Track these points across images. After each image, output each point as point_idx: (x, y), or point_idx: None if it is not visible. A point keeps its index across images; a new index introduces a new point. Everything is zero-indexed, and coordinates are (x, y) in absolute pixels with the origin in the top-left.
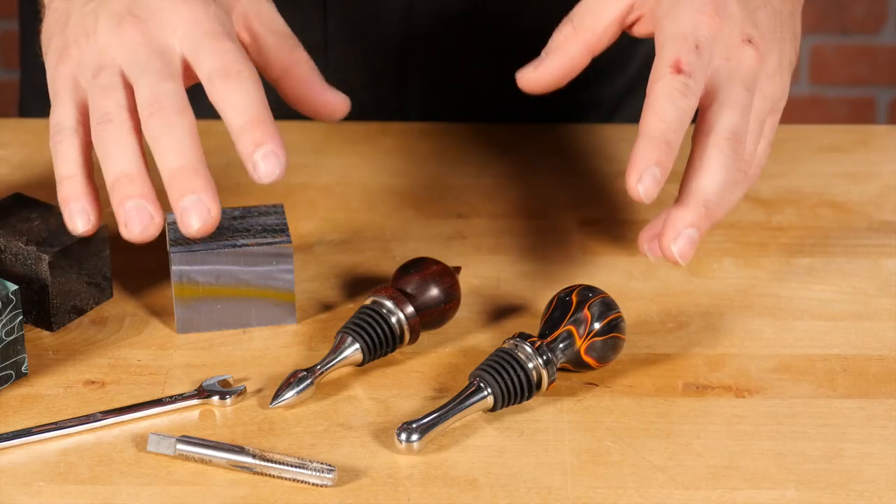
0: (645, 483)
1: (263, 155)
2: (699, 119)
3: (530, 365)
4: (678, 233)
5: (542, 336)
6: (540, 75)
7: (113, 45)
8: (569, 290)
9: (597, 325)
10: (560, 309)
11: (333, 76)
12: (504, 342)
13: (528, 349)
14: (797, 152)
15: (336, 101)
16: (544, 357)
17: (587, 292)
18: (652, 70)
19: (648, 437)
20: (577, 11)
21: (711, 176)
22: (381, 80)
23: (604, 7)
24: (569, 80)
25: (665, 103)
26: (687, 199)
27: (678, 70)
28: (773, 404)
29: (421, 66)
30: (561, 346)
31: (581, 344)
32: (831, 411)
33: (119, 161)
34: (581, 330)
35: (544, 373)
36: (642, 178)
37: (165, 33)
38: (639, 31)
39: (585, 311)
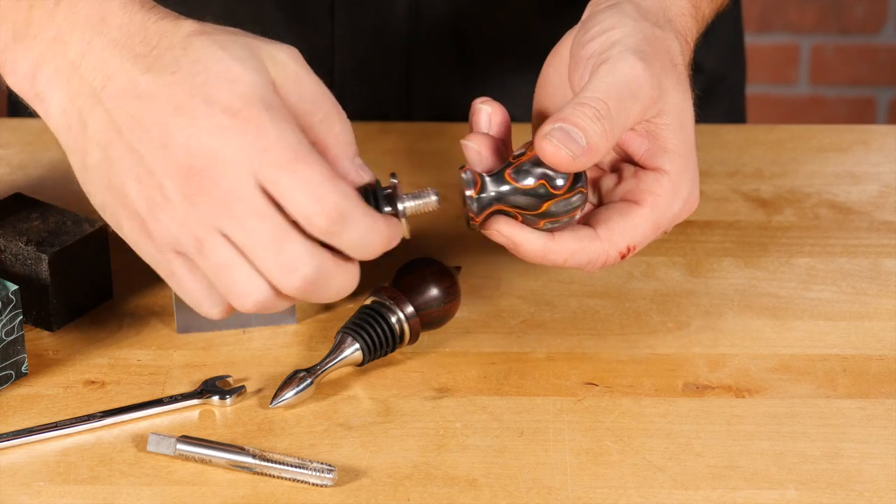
0: (645, 483)
1: None
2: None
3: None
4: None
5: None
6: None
7: (195, 216)
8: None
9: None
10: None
11: (339, 79)
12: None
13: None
14: (797, 152)
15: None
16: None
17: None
18: (608, 222)
19: (648, 437)
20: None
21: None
22: (386, 82)
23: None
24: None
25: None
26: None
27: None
28: (773, 404)
29: (425, 69)
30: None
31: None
32: (831, 411)
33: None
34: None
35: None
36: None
37: (236, 173)
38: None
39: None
